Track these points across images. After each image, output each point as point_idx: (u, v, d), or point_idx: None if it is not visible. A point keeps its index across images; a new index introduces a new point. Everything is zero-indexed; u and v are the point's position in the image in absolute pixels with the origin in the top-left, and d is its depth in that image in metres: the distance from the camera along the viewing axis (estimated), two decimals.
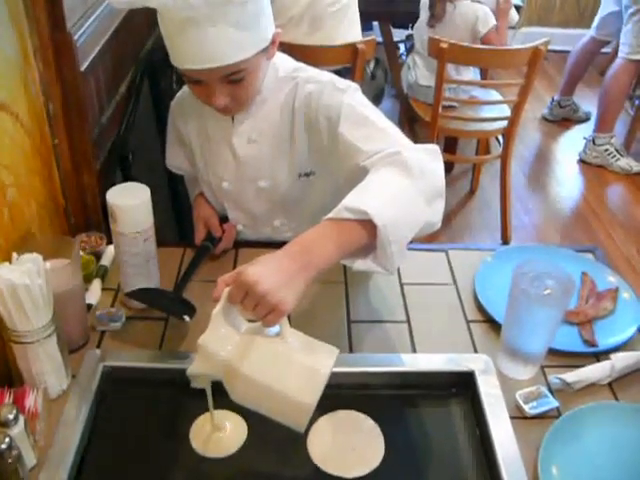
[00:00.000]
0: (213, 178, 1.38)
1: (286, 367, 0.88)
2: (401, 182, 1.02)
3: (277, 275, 0.88)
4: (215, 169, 1.36)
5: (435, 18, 2.76)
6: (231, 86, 1.16)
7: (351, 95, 1.20)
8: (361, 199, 0.97)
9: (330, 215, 0.96)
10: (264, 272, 0.88)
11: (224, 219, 1.41)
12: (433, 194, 1.05)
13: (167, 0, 1.05)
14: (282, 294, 0.87)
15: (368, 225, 0.94)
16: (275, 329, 0.91)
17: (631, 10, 3.22)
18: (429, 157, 1.08)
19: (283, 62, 1.29)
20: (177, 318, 1.15)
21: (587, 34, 3.62)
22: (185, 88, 1.37)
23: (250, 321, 0.94)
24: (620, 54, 3.32)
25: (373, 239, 0.95)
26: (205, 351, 0.89)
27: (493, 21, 2.74)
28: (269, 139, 1.29)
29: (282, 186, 1.33)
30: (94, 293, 1.24)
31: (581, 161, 3.51)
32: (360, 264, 0.99)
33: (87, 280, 1.23)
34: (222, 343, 0.90)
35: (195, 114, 1.34)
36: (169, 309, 1.18)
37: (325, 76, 1.25)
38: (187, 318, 1.13)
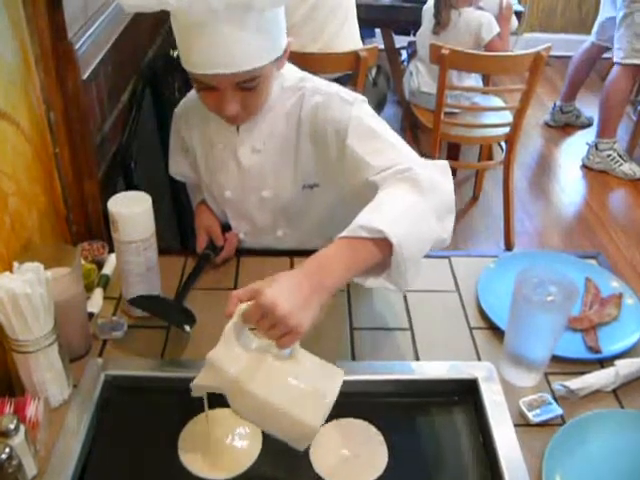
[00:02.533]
0: (216, 186, 1.37)
1: (293, 388, 0.88)
2: (413, 199, 1.02)
3: (294, 298, 0.87)
4: (218, 178, 1.36)
5: (440, 25, 2.78)
6: (243, 93, 1.16)
7: (359, 107, 1.20)
8: (375, 217, 0.97)
9: (344, 233, 0.96)
10: (282, 294, 0.86)
11: (226, 227, 1.41)
12: (444, 211, 1.05)
13: (186, 3, 1.04)
14: (299, 317, 0.87)
15: (382, 243, 0.94)
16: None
17: (621, 14, 3.20)
18: (439, 173, 1.08)
19: (289, 71, 1.28)
20: (178, 327, 1.15)
21: (588, 40, 3.62)
22: (189, 95, 1.37)
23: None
24: (615, 59, 3.30)
25: (387, 257, 0.95)
26: (214, 366, 0.89)
27: (497, 28, 2.74)
28: (274, 149, 1.29)
29: (285, 197, 1.32)
30: (96, 302, 1.23)
31: (584, 166, 3.50)
32: (372, 282, 0.99)
33: (89, 289, 1.23)
34: (232, 360, 0.89)
35: (199, 122, 1.34)
36: (170, 318, 1.18)
37: (332, 87, 1.25)
38: (187, 328, 1.13)
